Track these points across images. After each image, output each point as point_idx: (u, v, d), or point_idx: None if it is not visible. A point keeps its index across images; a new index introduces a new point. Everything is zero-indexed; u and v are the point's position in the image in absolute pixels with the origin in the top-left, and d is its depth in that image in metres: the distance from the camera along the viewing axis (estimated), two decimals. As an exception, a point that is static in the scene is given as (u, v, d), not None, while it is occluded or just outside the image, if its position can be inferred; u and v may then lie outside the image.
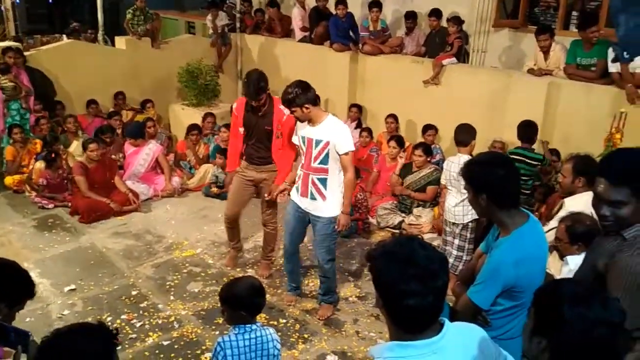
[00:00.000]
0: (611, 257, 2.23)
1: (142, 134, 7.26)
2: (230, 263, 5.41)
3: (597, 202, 2.31)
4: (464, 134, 5.01)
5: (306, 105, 4.08)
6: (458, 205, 5.00)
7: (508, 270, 2.39)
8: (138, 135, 7.17)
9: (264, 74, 4.73)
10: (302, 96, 4.07)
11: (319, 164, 4.19)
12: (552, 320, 1.66)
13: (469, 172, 2.56)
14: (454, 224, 5.06)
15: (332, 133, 4.12)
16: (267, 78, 4.71)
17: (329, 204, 4.28)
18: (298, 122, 4.33)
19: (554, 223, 3.65)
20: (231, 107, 5.05)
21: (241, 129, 4.88)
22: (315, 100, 4.23)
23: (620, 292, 2.13)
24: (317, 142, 4.15)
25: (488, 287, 2.45)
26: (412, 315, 1.68)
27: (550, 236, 3.42)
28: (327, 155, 4.14)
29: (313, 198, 4.29)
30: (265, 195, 4.87)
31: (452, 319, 1.84)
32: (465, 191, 4.78)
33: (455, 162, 5.00)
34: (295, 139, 4.48)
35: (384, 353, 1.71)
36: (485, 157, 2.81)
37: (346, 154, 4.15)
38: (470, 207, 4.82)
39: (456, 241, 5.11)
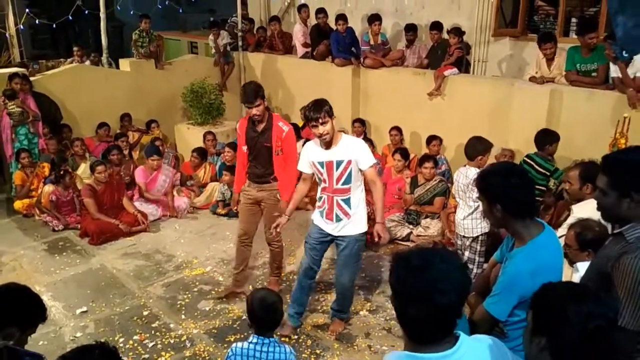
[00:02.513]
0: (616, 259, 2.24)
1: (159, 151, 7.39)
2: (226, 292, 5.23)
3: (602, 200, 2.37)
4: (470, 148, 4.97)
5: (334, 116, 4.07)
6: (467, 218, 4.96)
7: (525, 281, 2.37)
8: (156, 152, 7.26)
9: (259, 84, 4.82)
10: (330, 107, 4.06)
11: (342, 184, 4.13)
12: (549, 319, 1.70)
13: (483, 183, 2.56)
14: (463, 236, 5.04)
15: (352, 151, 4.07)
16: (263, 89, 4.75)
17: (354, 222, 4.23)
18: (309, 150, 4.24)
19: (562, 230, 3.66)
20: (236, 127, 5.07)
21: (244, 147, 4.90)
22: (329, 111, 4.12)
23: (625, 294, 2.16)
24: (339, 163, 4.07)
25: (505, 298, 2.45)
26: (429, 327, 1.69)
27: (560, 243, 3.43)
28: (349, 174, 4.09)
29: (339, 220, 4.22)
30: (270, 231, 4.71)
31: (470, 330, 1.85)
32: (473, 204, 4.88)
33: (462, 174, 4.98)
34: (306, 168, 4.34)
35: None
36: (498, 167, 2.82)
37: (371, 167, 4.12)
38: (479, 220, 4.92)
39: (466, 253, 5.08)
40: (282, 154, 4.74)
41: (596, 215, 2.79)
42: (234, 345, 3.01)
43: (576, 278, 3.34)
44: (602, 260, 2.36)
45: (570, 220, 3.68)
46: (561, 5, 7.51)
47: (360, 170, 4.14)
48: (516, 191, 2.44)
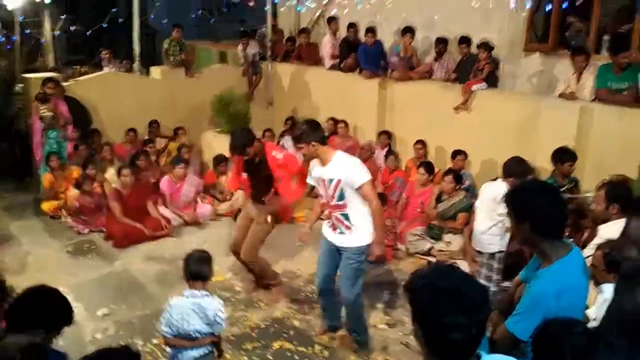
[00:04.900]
0: None
1: (186, 161, 7.56)
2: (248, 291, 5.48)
3: (624, 240, 2.27)
4: (509, 167, 4.81)
5: (313, 143, 4.10)
6: (485, 234, 4.88)
7: (549, 301, 2.33)
8: (183, 162, 7.45)
9: (247, 130, 5.06)
10: (310, 134, 4.10)
11: (337, 201, 4.16)
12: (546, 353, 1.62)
13: (513, 200, 2.51)
14: (480, 252, 4.95)
15: (342, 170, 4.09)
16: (252, 134, 4.97)
17: (355, 235, 4.22)
18: (311, 164, 4.36)
19: (589, 251, 3.58)
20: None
21: (243, 174, 5.14)
22: (324, 139, 4.24)
23: None
24: (330, 181, 4.13)
25: (528, 317, 2.39)
26: (455, 348, 1.66)
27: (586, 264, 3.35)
28: (342, 191, 4.10)
29: (341, 232, 4.26)
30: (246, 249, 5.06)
31: (490, 349, 1.81)
32: (498, 217, 4.77)
33: (489, 188, 4.90)
34: (311, 180, 4.44)
35: None
36: (529, 185, 2.76)
37: (361, 186, 4.06)
38: (498, 237, 4.83)
39: (483, 270, 4.98)
40: (284, 179, 4.95)
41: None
42: (169, 300, 3.51)
43: (601, 300, 3.27)
44: (628, 306, 2.25)
45: (597, 240, 3.60)
46: (594, 21, 7.40)
47: (357, 189, 4.12)
48: (546, 210, 2.39)
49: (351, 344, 4.55)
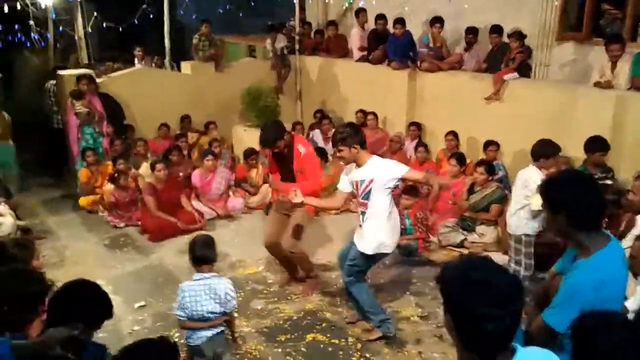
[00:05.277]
0: None
1: (214, 153, 7.66)
2: (281, 282, 5.57)
3: None
4: (536, 148, 4.99)
5: (354, 146, 4.18)
6: (513, 216, 5.00)
7: (587, 293, 2.30)
8: (211, 153, 7.54)
9: (278, 123, 5.11)
10: (353, 137, 4.19)
11: (362, 199, 4.30)
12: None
13: (547, 190, 2.47)
14: (510, 234, 5.05)
15: (376, 170, 4.22)
16: (282, 126, 5.03)
17: (362, 238, 4.36)
18: (349, 172, 4.41)
19: (627, 242, 3.52)
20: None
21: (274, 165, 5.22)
22: (364, 143, 4.30)
23: None
24: (362, 182, 4.25)
25: (565, 309, 2.36)
26: (488, 340, 1.65)
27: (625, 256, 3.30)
28: (369, 191, 4.24)
29: (360, 225, 4.42)
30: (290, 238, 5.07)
31: (525, 342, 1.80)
32: (524, 201, 4.85)
33: (521, 172, 5.03)
34: (346, 187, 4.48)
35: None
36: (564, 175, 2.70)
37: (405, 173, 4.23)
38: (525, 220, 4.90)
39: (512, 255, 5.08)
40: (304, 173, 4.98)
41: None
42: (181, 285, 3.71)
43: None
44: None
45: (636, 231, 3.54)
46: (629, 9, 7.21)
47: (401, 179, 4.31)
48: (582, 200, 2.34)
49: (372, 333, 4.58)
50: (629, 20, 7.23)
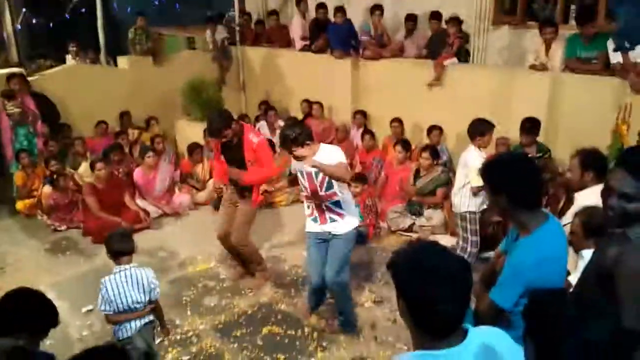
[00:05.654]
0: (617, 259, 2.18)
1: (154, 149, 7.44)
2: (234, 276, 5.50)
3: (607, 192, 2.29)
4: (471, 128, 5.19)
5: (307, 142, 4.11)
6: (456, 195, 5.22)
7: (529, 271, 2.38)
8: (151, 150, 7.37)
9: (223, 112, 5.01)
10: (304, 134, 4.11)
11: (325, 191, 4.19)
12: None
13: (487, 173, 2.54)
14: (455, 214, 5.30)
15: (328, 156, 4.11)
16: (229, 115, 4.93)
17: (346, 220, 4.30)
18: (295, 162, 4.34)
19: (567, 219, 3.65)
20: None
21: (222, 157, 5.10)
22: (312, 137, 4.22)
23: (629, 299, 2.11)
24: (316, 174, 4.15)
25: (510, 287, 2.45)
26: (439, 321, 1.69)
27: (565, 232, 3.42)
28: (330, 180, 4.14)
29: (333, 221, 4.29)
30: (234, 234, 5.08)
31: (475, 320, 1.84)
32: (463, 179, 5.05)
33: (463, 154, 5.24)
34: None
35: None
36: (502, 157, 2.79)
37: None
38: (467, 198, 5.10)
39: (459, 231, 5.30)
40: (256, 163, 4.89)
41: (600, 202, 2.78)
42: (102, 279, 3.66)
43: (581, 265, 3.34)
44: (601, 259, 2.31)
45: (575, 208, 3.67)
46: (560, -8, 7.47)
47: None
48: (521, 180, 2.42)
49: (336, 328, 4.59)
50: (561, 3, 7.50)
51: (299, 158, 4.13)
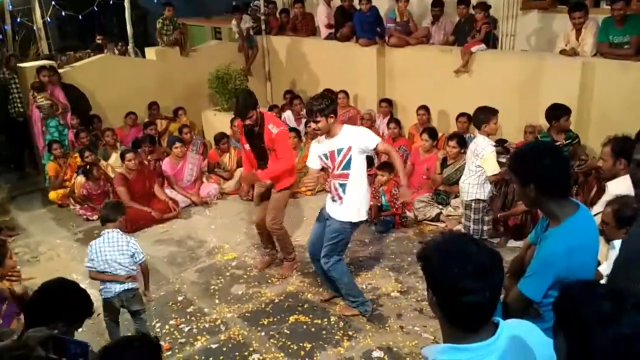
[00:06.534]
0: None
1: (181, 139, 7.52)
2: (261, 265, 5.53)
3: (637, 168, 2.22)
4: (474, 119, 5.31)
5: (331, 115, 4.21)
6: (464, 182, 5.25)
7: (560, 261, 2.34)
8: (179, 140, 7.49)
9: (250, 93, 5.07)
10: (331, 107, 4.22)
11: (341, 170, 4.30)
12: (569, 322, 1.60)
13: (515, 164, 2.52)
14: (461, 201, 5.37)
15: (352, 137, 4.25)
16: (254, 97, 4.98)
17: (345, 209, 4.36)
18: (315, 148, 4.44)
19: (598, 208, 3.59)
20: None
21: (246, 146, 5.17)
22: (337, 111, 4.35)
23: None
24: (339, 151, 4.25)
25: (539, 278, 2.41)
26: (470, 313, 1.67)
27: (596, 221, 3.36)
28: (349, 160, 4.24)
29: (334, 200, 4.41)
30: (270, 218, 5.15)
31: (503, 312, 1.82)
32: (475, 169, 5.09)
33: (471, 144, 5.33)
34: (315, 164, 4.51)
35: (438, 356, 1.70)
36: (530, 147, 2.75)
37: (377, 146, 4.27)
38: (476, 186, 5.14)
39: (462, 220, 5.37)
40: (274, 152, 4.95)
41: (632, 191, 2.72)
42: (90, 243, 4.19)
43: (612, 255, 3.28)
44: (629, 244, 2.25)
45: (606, 197, 3.60)
46: (591, -25, 7.27)
47: (374, 150, 4.37)
48: (550, 170, 2.38)
49: (350, 309, 4.64)
50: (592, -14, 7.30)
51: (319, 130, 4.25)
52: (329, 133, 4.28)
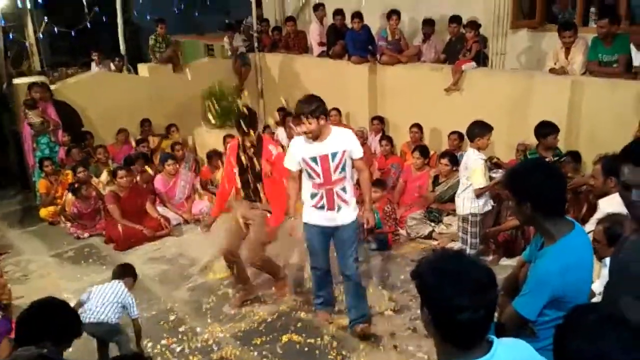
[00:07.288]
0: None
1: (174, 156, 7.61)
2: (235, 302, 5.18)
3: (624, 191, 2.22)
4: (469, 131, 5.30)
5: (322, 117, 4.09)
6: (459, 197, 5.29)
7: (555, 280, 2.34)
8: (171, 157, 7.49)
9: (253, 111, 4.97)
10: (321, 107, 4.11)
11: (339, 174, 4.20)
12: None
13: (511, 182, 2.52)
14: (457, 215, 5.39)
15: (345, 141, 4.19)
16: (256, 115, 4.96)
17: (351, 207, 4.37)
18: (298, 147, 4.24)
19: (590, 226, 3.60)
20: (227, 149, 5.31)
21: (235, 170, 4.93)
22: (327, 113, 4.31)
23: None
24: (334, 155, 4.13)
25: (534, 297, 2.41)
26: (465, 330, 1.67)
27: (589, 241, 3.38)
28: (344, 163, 4.20)
29: (340, 208, 4.29)
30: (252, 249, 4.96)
31: (497, 331, 1.82)
32: (466, 182, 5.12)
33: (463, 158, 5.40)
34: (294, 165, 4.30)
35: None
36: (526, 165, 2.77)
37: (361, 158, 4.29)
38: (470, 200, 5.17)
39: (460, 234, 5.39)
40: (272, 176, 4.79)
41: (624, 209, 2.74)
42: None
43: (605, 273, 3.29)
44: (627, 260, 2.26)
45: (598, 215, 3.63)
46: (580, -5, 7.38)
47: (352, 160, 4.26)
48: (547, 189, 2.39)
49: (368, 327, 4.56)
50: (581, 5, 7.41)
51: (310, 133, 4.07)
52: (319, 135, 4.12)
